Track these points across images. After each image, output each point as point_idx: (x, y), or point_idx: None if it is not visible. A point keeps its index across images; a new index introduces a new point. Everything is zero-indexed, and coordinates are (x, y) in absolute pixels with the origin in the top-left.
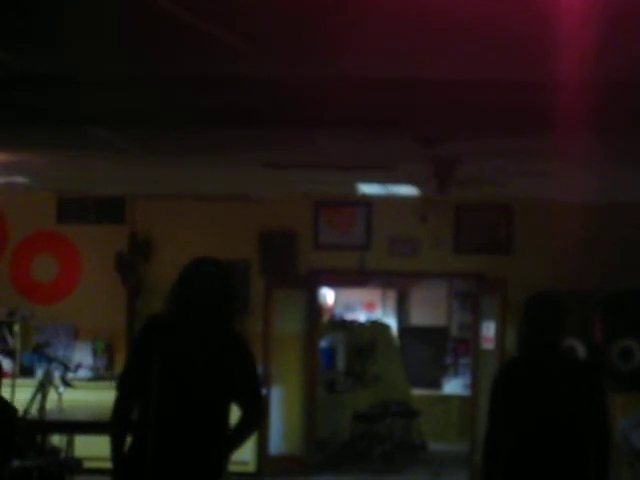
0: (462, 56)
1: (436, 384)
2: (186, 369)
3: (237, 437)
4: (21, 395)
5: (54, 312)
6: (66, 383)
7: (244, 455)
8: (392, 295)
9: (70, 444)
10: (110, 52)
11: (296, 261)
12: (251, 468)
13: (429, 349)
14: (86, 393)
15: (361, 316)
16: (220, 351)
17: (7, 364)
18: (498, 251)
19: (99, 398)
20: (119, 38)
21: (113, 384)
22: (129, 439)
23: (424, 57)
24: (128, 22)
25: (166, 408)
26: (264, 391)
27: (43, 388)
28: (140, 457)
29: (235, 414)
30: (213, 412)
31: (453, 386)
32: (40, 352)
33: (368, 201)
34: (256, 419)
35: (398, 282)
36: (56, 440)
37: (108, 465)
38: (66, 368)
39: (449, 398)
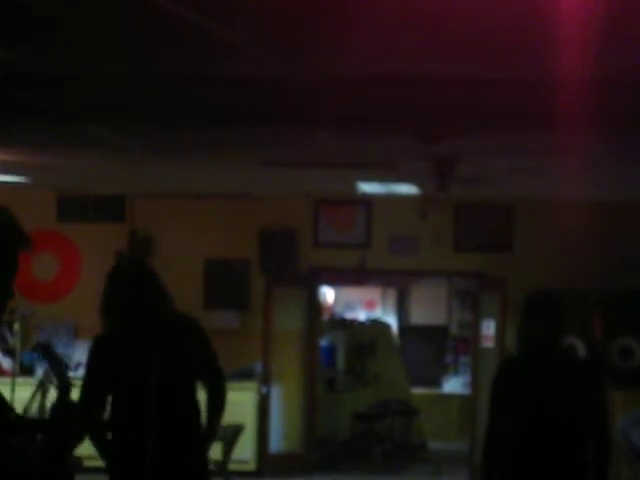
0: (462, 54)
1: (436, 383)
2: (146, 365)
3: (211, 423)
4: (21, 394)
5: (54, 311)
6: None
7: (244, 454)
8: (392, 294)
9: None
10: (109, 51)
11: (296, 260)
12: (251, 467)
13: (429, 348)
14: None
15: (361, 315)
16: (170, 338)
17: (7, 363)
18: (498, 250)
19: None
20: (119, 37)
21: None
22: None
23: (424, 55)
24: (128, 21)
25: (141, 405)
26: (264, 389)
27: (43, 387)
28: (128, 454)
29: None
30: (182, 400)
31: (453, 385)
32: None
33: (368, 200)
34: (221, 394)
35: (398, 281)
36: None
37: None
38: (66, 367)
39: (449, 397)
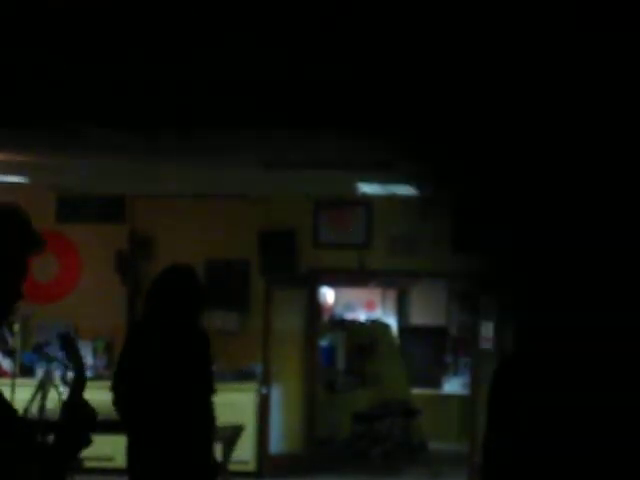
0: None
1: (436, 383)
2: (163, 366)
3: None
4: (21, 395)
5: (54, 311)
6: (66, 383)
7: (244, 454)
8: (392, 294)
9: None
10: (110, 52)
11: (296, 260)
12: (251, 467)
13: (429, 348)
14: (86, 393)
15: (361, 315)
16: (190, 346)
17: (7, 364)
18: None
19: (99, 398)
20: (119, 39)
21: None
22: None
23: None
24: (128, 22)
25: (150, 404)
26: (264, 390)
27: (43, 388)
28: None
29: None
30: (191, 404)
31: (453, 385)
32: (40, 352)
33: (368, 201)
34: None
35: (398, 281)
36: None
37: (108, 465)
38: (66, 368)
39: (449, 397)
